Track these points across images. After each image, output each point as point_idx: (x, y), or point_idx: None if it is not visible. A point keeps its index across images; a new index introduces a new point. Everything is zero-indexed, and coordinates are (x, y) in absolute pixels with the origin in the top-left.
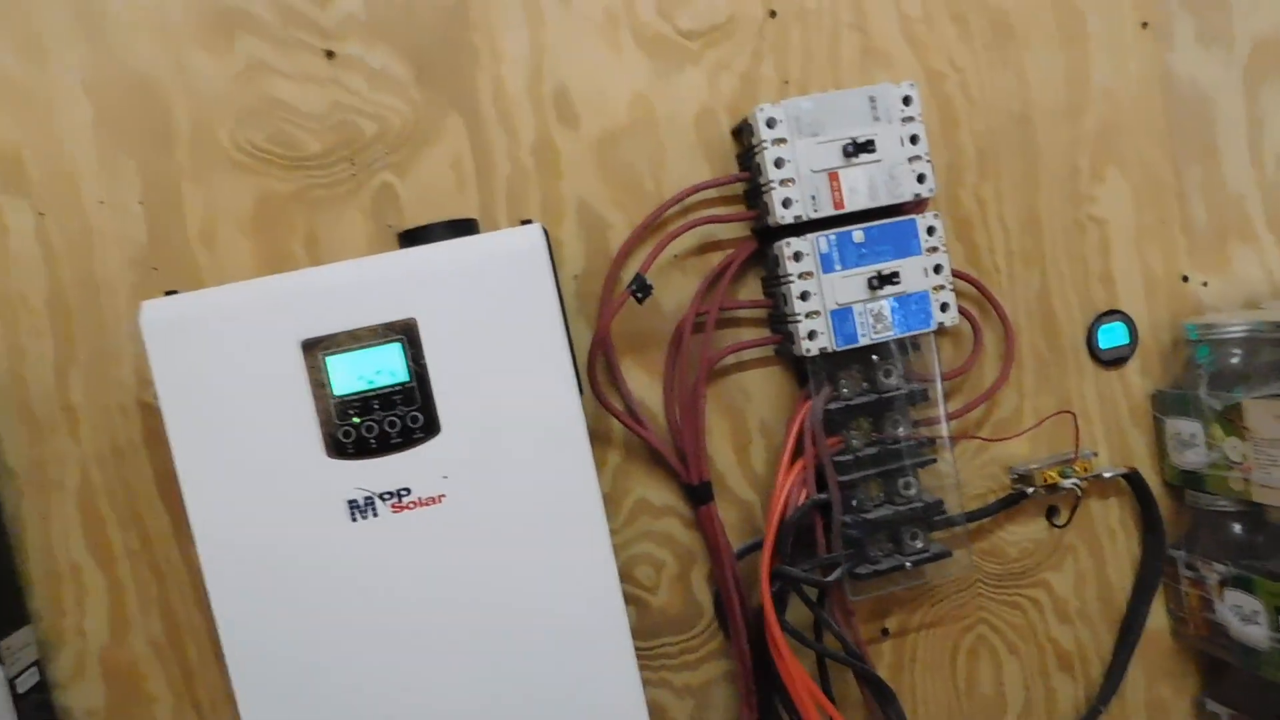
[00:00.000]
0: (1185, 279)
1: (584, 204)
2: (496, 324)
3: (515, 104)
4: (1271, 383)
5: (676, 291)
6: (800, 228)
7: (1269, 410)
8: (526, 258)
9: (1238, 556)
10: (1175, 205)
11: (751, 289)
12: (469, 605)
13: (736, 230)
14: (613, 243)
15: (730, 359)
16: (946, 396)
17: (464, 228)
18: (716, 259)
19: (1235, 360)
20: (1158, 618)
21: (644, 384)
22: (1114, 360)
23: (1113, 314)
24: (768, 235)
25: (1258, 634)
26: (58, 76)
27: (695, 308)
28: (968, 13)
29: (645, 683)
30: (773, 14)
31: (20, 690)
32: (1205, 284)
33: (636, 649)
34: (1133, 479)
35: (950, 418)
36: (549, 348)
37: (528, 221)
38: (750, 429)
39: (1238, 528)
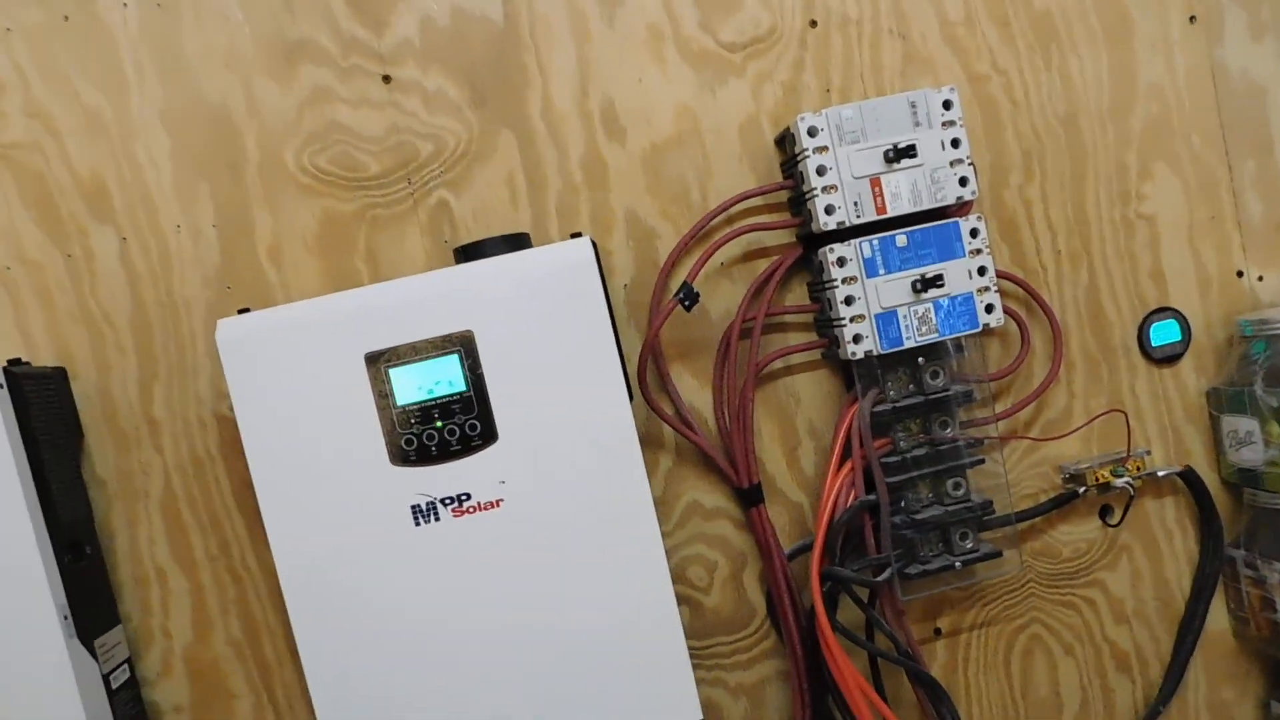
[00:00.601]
0: (1240, 274)
1: (632, 215)
2: (549, 334)
3: (564, 120)
4: None
5: (724, 298)
6: (844, 233)
7: None
8: (576, 270)
9: None
10: (1229, 200)
11: (798, 294)
12: (526, 604)
13: (782, 237)
14: (661, 252)
15: (778, 363)
16: (996, 396)
17: (517, 242)
18: (762, 266)
19: None
20: (1218, 618)
21: (694, 389)
22: (1167, 358)
23: (1164, 311)
24: (813, 241)
25: None
26: (138, 109)
27: (742, 314)
28: (1010, 15)
29: (699, 682)
30: (813, 24)
31: (113, 686)
32: (1261, 279)
33: (690, 649)
34: (1188, 477)
35: (999, 418)
36: (600, 356)
37: (577, 235)
38: (799, 432)
39: None
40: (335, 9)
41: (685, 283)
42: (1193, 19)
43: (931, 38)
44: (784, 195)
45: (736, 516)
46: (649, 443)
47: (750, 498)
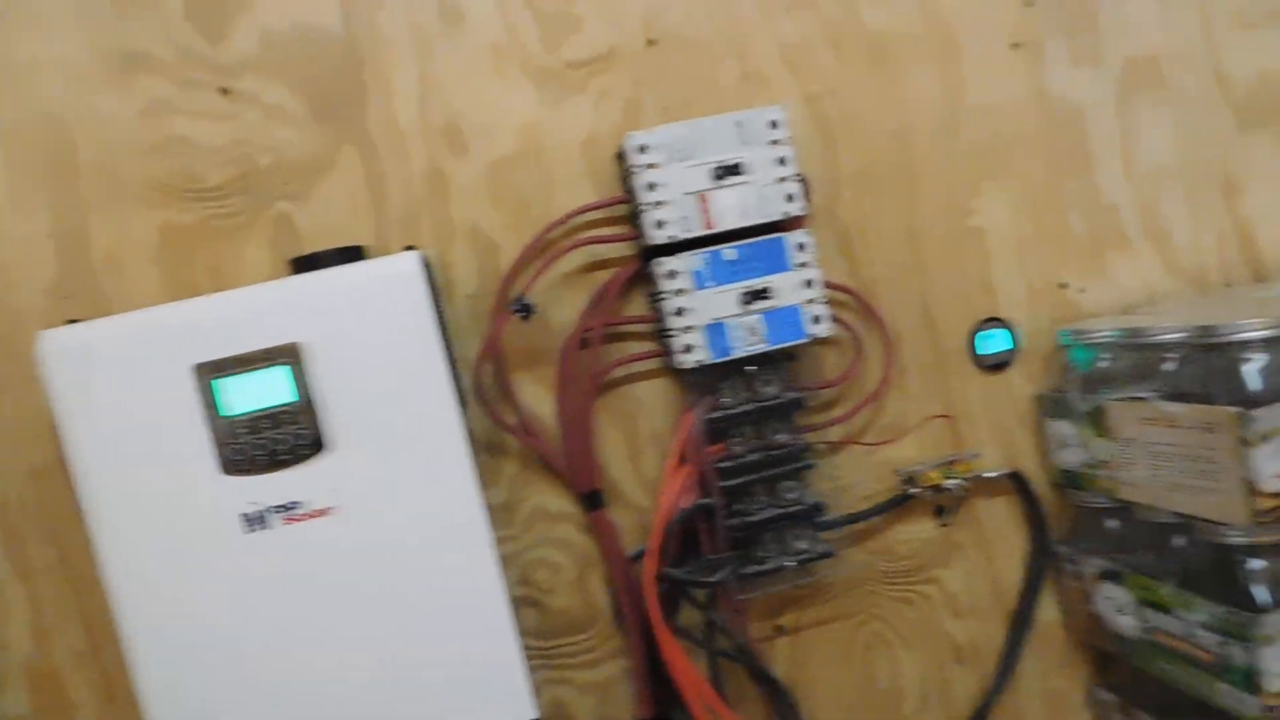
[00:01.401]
0: (1064, 286)
1: (476, 228)
2: (378, 345)
3: (406, 134)
4: (1132, 385)
5: (567, 309)
6: (680, 246)
7: (1129, 411)
8: (404, 282)
9: (1112, 551)
10: (1053, 216)
11: (641, 306)
12: (358, 609)
13: (624, 250)
14: (504, 264)
15: (621, 371)
16: (833, 403)
17: (351, 254)
18: (604, 278)
19: (1104, 364)
20: (1050, 611)
21: (539, 397)
22: (996, 365)
23: (993, 321)
24: (652, 254)
25: (1129, 624)
26: None
27: (581, 325)
28: (845, 38)
29: (548, 681)
30: (651, 43)
31: None
32: (1083, 290)
33: (538, 649)
34: (1016, 478)
35: (835, 423)
36: (428, 366)
37: (411, 248)
38: (642, 438)
39: (1112, 523)
40: (172, 20)
41: (519, 295)
42: (1016, 46)
43: (769, 58)
44: (625, 209)
45: (581, 520)
46: (494, 449)
47: (592, 502)
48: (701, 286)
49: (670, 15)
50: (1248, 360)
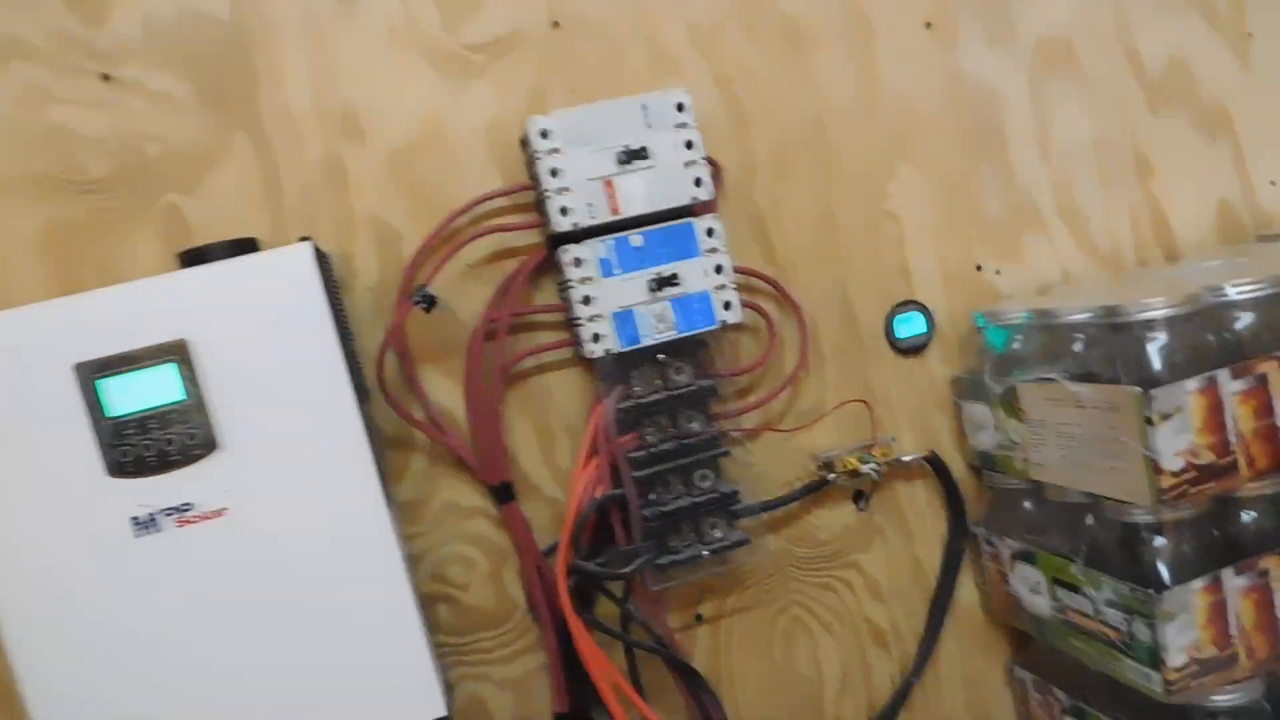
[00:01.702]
0: (979, 268)
1: (377, 218)
2: (270, 340)
3: (300, 123)
4: (1043, 367)
5: (475, 300)
6: (587, 233)
7: (1038, 393)
8: (296, 275)
9: (1027, 532)
10: (968, 199)
11: (551, 294)
12: (258, 610)
13: (531, 238)
14: (407, 254)
15: (531, 362)
16: (749, 389)
17: (242, 247)
18: (511, 267)
19: (1016, 346)
20: (969, 592)
21: (447, 390)
22: (912, 349)
23: (909, 304)
24: (560, 242)
25: (1042, 604)
26: None
27: (487, 315)
28: (757, 19)
29: (464, 677)
30: (556, 25)
31: None
32: (999, 272)
33: (452, 645)
34: (933, 462)
35: (751, 409)
36: (323, 361)
37: (305, 239)
38: (555, 430)
39: (1027, 504)
40: (46, 3)
41: (420, 286)
42: (929, 25)
43: (678, 40)
44: (530, 196)
45: (494, 514)
46: (400, 444)
47: (502, 495)
48: (609, 274)
49: None
50: (1151, 340)
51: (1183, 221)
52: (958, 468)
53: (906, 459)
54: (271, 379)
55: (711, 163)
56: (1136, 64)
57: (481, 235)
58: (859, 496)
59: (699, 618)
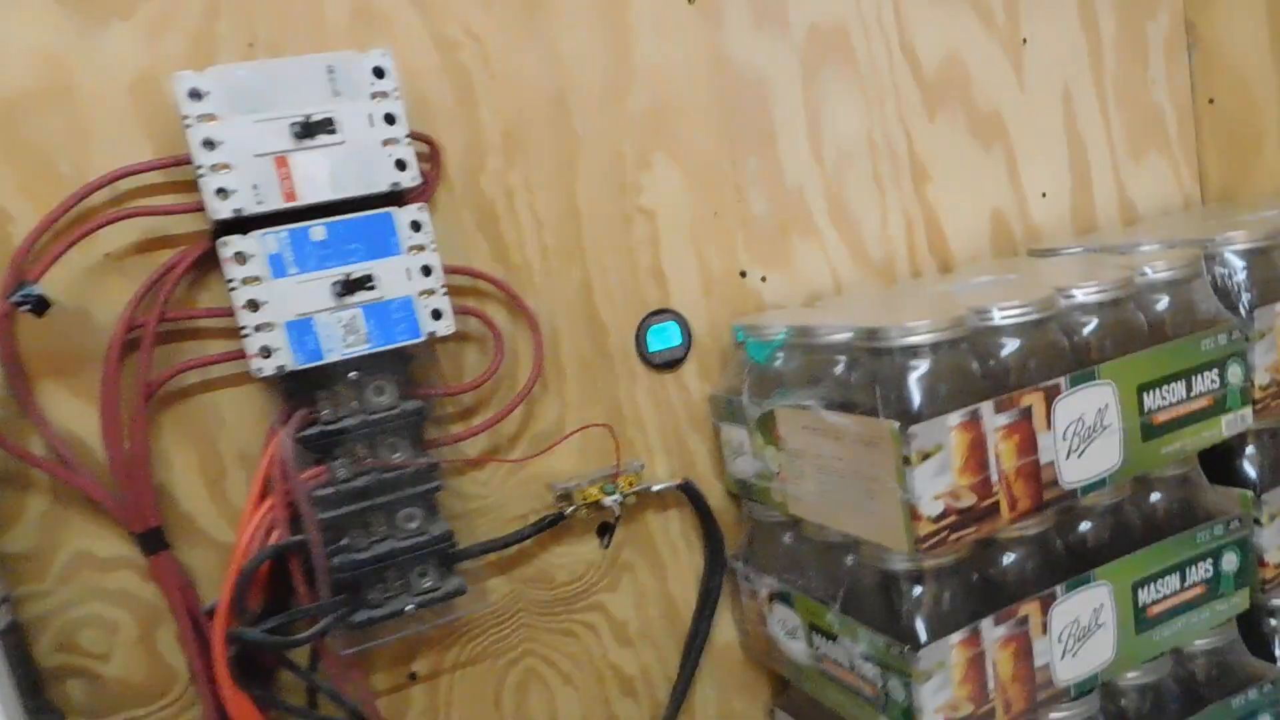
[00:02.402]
0: (744, 274)
1: None
2: None
3: None
4: (803, 390)
5: (119, 300)
6: (261, 221)
7: (796, 420)
8: None
9: (785, 570)
10: (732, 196)
11: (222, 295)
12: None
13: (197, 223)
14: (16, 239)
15: (196, 377)
16: (476, 409)
17: None
18: (166, 259)
19: (778, 364)
20: (727, 631)
21: (80, 414)
22: (667, 363)
23: (664, 313)
24: (224, 232)
25: (799, 650)
26: None
27: (127, 319)
28: None
29: None
30: None
31: None
32: (764, 279)
33: None
34: (687, 490)
35: (475, 433)
36: None
37: None
38: (226, 460)
39: (787, 539)
40: None
41: (21, 283)
42: (691, 1)
43: None
44: (192, 172)
45: (145, 566)
46: (9, 483)
47: (150, 544)
48: (281, 274)
49: None
50: (912, 369)
51: (957, 231)
52: (716, 495)
53: (657, 488)
54: None
55: (426, 141)
56: (914, 60)
57: (124, 218)
58: (604, 530)
59: (413, 676)
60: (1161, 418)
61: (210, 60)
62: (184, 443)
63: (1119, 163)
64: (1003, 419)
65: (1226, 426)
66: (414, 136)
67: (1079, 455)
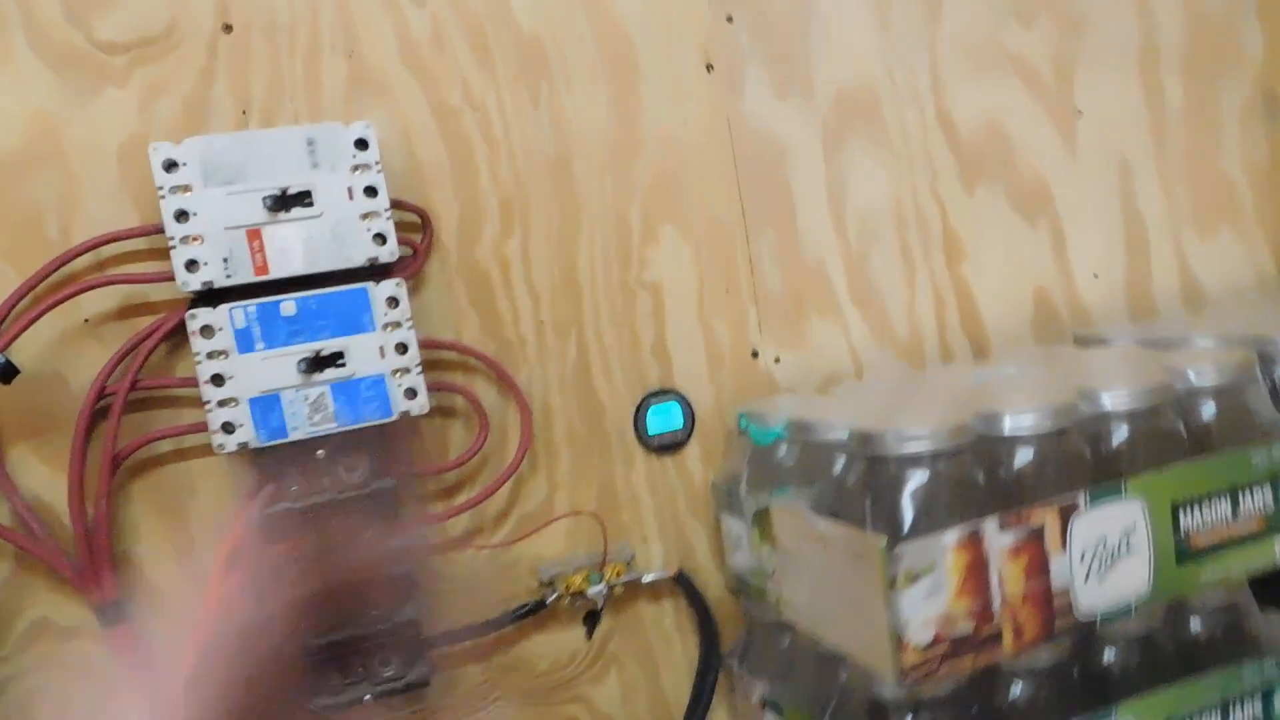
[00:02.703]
0: (755, 354)
1: None
2: None
3: None
4: (801, 486)
5: (94, 365)
6: (232, 293)
7: (788, 519)
8: None
9: (777, 677)
10: (745, 271)
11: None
12: None
13: (175, 292)
14: None
15: (169, 446)
16: (458, 487)
17: None
18: (142, 326)
19: (781, 455)
20: None
21: (49, 480)
22: (666, 446)
23: (666, 393)
24: (207, 301)
25: None
26: None
27: (99, 387)
28: (490, 38)
29: None
30: (228, 28)
31: None
32: (778, 360)
33: None
34: (682, 581)
35: (456, 513)
36: None
37: None
38: (194, 531)
39: (785, 642)
40: None
41: None
42: (710, 68)
43: (388, 58)
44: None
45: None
46: None
47: (108, 616)
48: (247, 349)
49: None
50: (907, 481)
51: (994, 310)
52: (715, 586)
53: (649, 579)
54: None
55: (416, 212)
56: (949, 127)
57: (104, 284)
58: (590, 618)
59: None
60: (1201, 540)
61: (202, 127)
62: (154, 512)
63: (1182, 239)
64: (1008, 538)
65: None
66: (404, 207)
67: (1099, 580)
